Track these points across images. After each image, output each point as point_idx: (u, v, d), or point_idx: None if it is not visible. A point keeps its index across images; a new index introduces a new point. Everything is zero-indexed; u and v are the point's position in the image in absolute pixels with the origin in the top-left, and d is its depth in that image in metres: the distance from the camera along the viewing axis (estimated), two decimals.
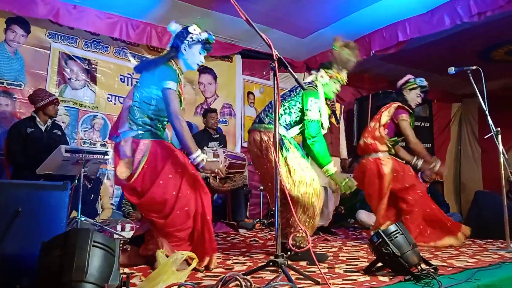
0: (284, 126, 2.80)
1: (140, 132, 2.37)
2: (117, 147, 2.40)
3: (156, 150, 2.35)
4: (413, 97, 3.67)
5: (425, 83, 3.68)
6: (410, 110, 3.65)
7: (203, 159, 2.31)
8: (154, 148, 2.34)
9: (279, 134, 2.49)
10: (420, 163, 3.65)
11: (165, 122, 2.52)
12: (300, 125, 2.83)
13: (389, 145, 3.65)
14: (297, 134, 2.86)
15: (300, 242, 2.67)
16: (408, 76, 3.77)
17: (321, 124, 2.80)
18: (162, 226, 2.30)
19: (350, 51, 2.89)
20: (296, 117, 2.83)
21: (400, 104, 3.64)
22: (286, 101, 2.84)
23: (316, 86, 2.85)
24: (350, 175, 2.96)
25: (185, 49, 2.47)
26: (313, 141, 2.75)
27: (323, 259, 2.65)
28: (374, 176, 3.57)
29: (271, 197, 2.84)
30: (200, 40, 2.46)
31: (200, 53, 2.50)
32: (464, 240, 3.58)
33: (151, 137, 2.38)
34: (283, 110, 2.81)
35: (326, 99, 2.94)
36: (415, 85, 3.67)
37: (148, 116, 2.41)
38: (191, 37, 2.45)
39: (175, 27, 2.51)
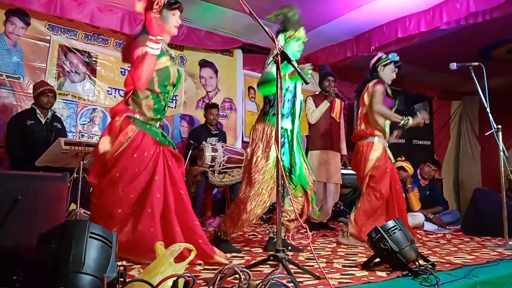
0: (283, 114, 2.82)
1: (136, 115, 2.35)
2: (111, 121, 2.40)
3: (138, 143, 2.32)
4: (388, 73, 3.62)
5: (397, 58, 3.63)
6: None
7: None
8: (137, 138, 2.32)
9: (281, 127, 2.62)
10: (410, 121, 3.50)
11: (170, 94, 2.50)
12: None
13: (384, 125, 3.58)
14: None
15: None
16: (380, 54, 3.74)
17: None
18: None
19: (287, 9, 2.91)
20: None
21: (377, 80, 3.58)
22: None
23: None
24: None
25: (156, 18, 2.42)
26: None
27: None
28: (362, 158, 3.54)
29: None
30: (165, 3, 2.41)
31: (173, 15, 2.44)
32: None
33: (141, 127, 2.35)
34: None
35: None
36: (388, 61, 3.62)
37: (153, 92, 2.36)
38: (157, 4, 2.38)
39: (140, 6, 2.46)
